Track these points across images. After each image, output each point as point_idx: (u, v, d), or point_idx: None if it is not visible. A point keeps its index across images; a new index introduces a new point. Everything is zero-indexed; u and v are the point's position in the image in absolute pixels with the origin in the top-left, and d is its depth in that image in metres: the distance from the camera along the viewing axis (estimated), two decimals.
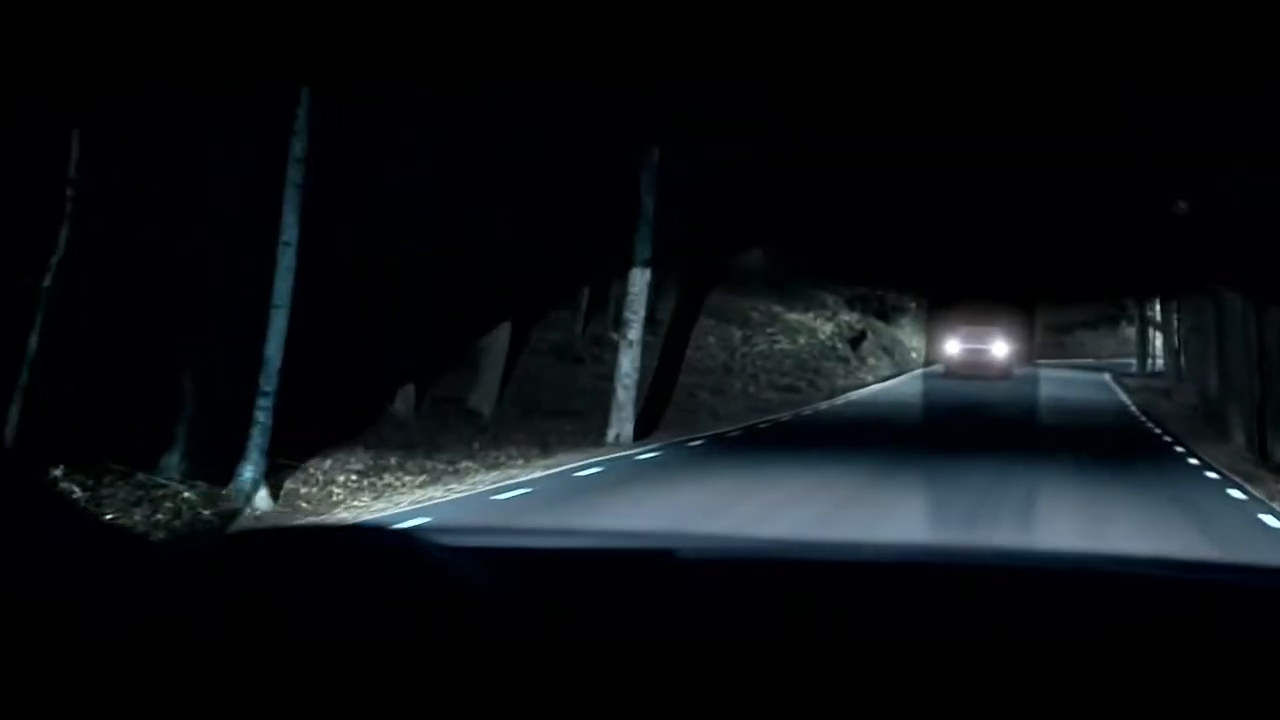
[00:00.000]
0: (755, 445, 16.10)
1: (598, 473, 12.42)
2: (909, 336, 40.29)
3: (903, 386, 29.18)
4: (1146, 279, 36.97)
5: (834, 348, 32.53)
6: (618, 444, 15.21)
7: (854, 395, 27.93)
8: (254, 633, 1.11)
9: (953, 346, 31.52)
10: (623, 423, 15.36)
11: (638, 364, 15.52)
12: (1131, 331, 54.58)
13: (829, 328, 33.18)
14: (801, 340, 30.59)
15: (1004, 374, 29.69)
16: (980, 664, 1.35)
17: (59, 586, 1.16)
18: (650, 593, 1.63)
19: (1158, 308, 44.02)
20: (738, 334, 28.01)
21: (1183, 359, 35.37)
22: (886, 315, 39.09)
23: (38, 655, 1.07)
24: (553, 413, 17.58)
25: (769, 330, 29.33)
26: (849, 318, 34.85)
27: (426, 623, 1.15)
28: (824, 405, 24.91)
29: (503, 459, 13.36)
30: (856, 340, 35.06)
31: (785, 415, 21.72)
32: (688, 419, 19.97)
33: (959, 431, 18.84)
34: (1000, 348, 31.32)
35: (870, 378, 33.19)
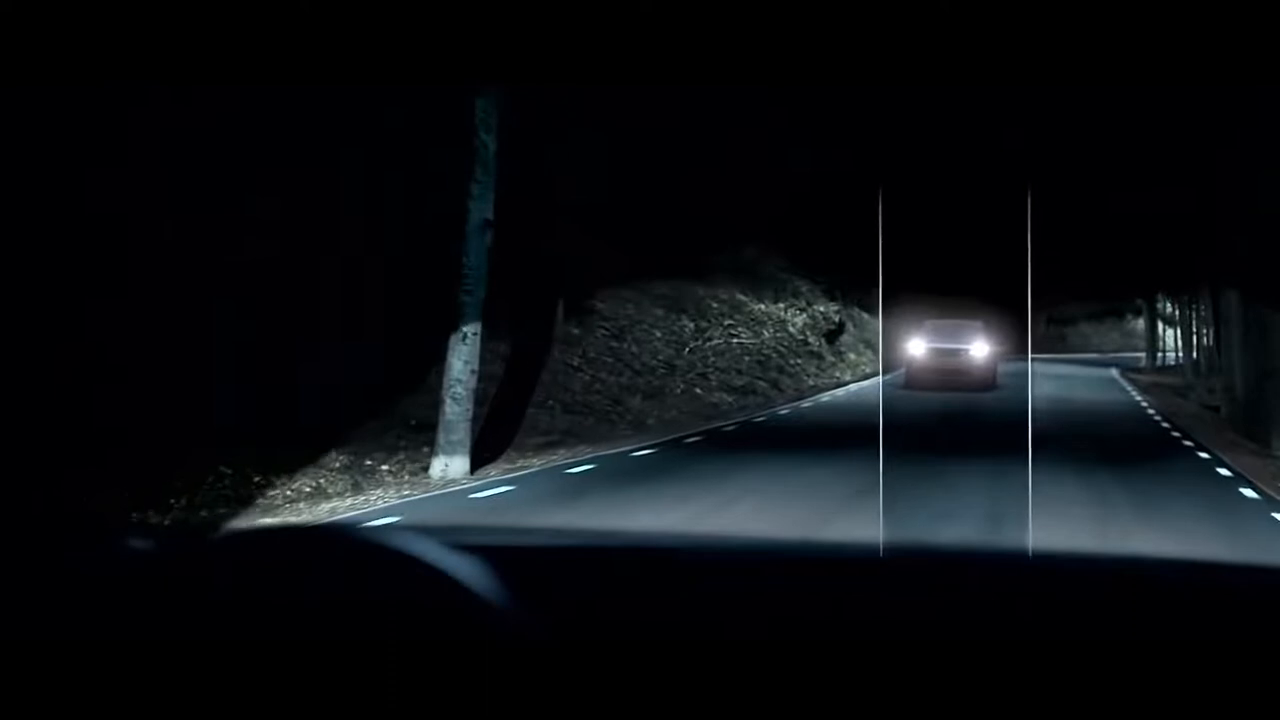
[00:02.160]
0: (665, 471, 12.14)
1: (383, 525, 8.47)
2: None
3: (885, 386, 25.02)
4: (1155, 273, 34.76)
5: (805, 341, 28.58)
6: (447, 478, 11.10)
7: (825, 397, 24.03)
8: (250, 633, 1.09)
9: (916, 347, 26.17)
10: (453, 448, 11.13)
11: (475, 365, 11.28)
12: (1136, 324, 52.53)
13: (801, 319, 29.25)
14: (767, 334, 26.65)
15: (983, 383, 24.51)
16: (981, 664, 1.37)
17: (55, 586, 1.15)
18: (651, 592, 1.63)
19: (1165, 301, 42.20)
20: (690, 326, 24.06)
21: (1195, 354, 32.39)
22: (871, 306, 35.17)
23: (35, 654, 1.07)
24: (419, 427, 13.64)
25: (728, 322, 25.36)
26: (825, 308, 30.87)
27: (425, 623, 1.12)
28: (785, 409, 21.02)
29: (279, 499, 9.45)
30: (834, 333, 31.09)
31: (730, 424, 17.80)
32: (601, 431, 16.06)
33: (942, 444, 15.21)
34: (979, 348, 25.85)
35: (848, 376, 29.29)
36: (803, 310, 29.87)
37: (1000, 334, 25.98)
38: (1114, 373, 35.42)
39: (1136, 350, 46.64)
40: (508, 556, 1.68)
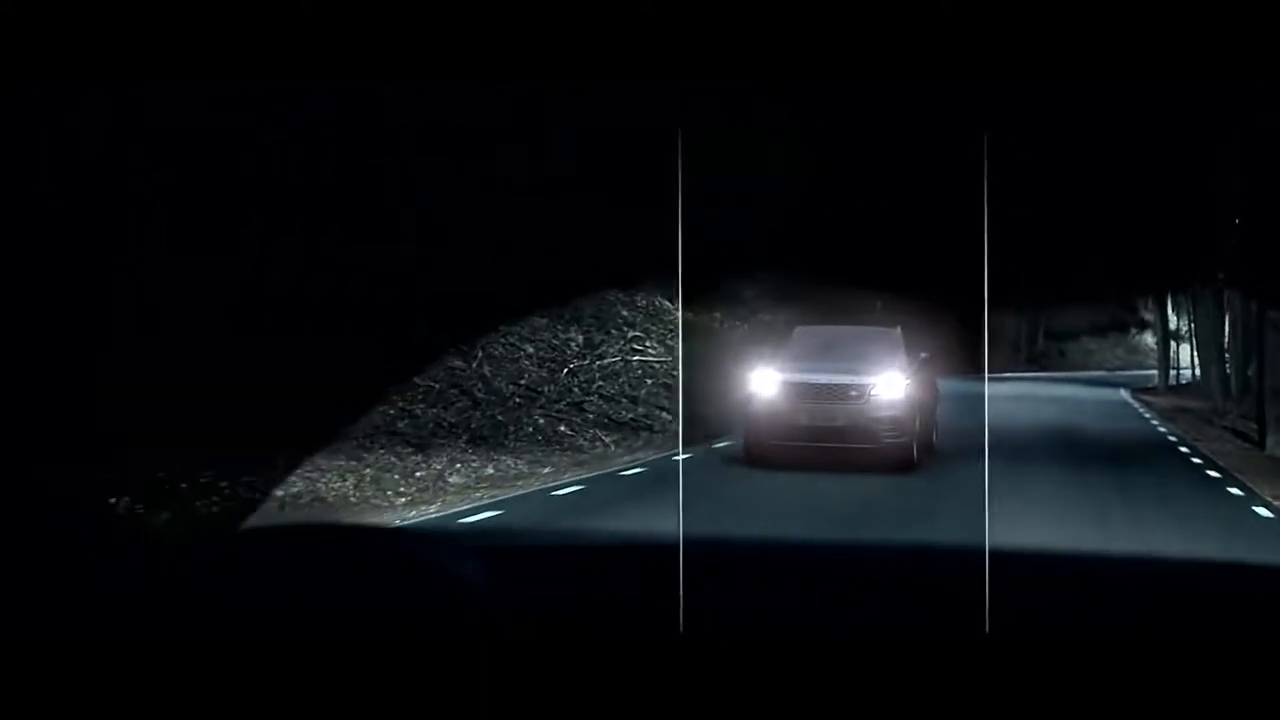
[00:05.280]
0: None
1: None
2: None
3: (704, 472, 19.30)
4: (1168, 273, 29.96)
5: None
6: None
7: None
8: (255, 631, 1.08)
9: (766, 382, 13.30)
10: None
11: None
12: (1141, 339, 48.74)
13: (740, 331, 23.73)
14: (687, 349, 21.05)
15: (897, 455, 12.29)
16: (981, 663, 1.38)
17: (60, 585, 1.13)
18: (650, 592, 1.61)
19: (1170, 312, 38.09)
20: (578, 340, 18.43)
21: (1222, 370, 27.39)
22: (844, 312, 29.86)
23: (39, 654, 1.05)
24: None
25: (633, 334, 19.74)
26: (772, 317, 25.42)
27: (426, 622, 1.12)
28: (692, 452, 15.35)
29: None
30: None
31: (574, 484, 12.12)
32: (348, 499, 10.42)
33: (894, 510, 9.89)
34: (890, 384, 12.92)
35: None
36: (744, 321, 24.44)
37: (954, 348, 16.46)
38: (1124, 394, 30.27)
39: (1143, 367, 42.27)
40: (507, 556, 1.85)
